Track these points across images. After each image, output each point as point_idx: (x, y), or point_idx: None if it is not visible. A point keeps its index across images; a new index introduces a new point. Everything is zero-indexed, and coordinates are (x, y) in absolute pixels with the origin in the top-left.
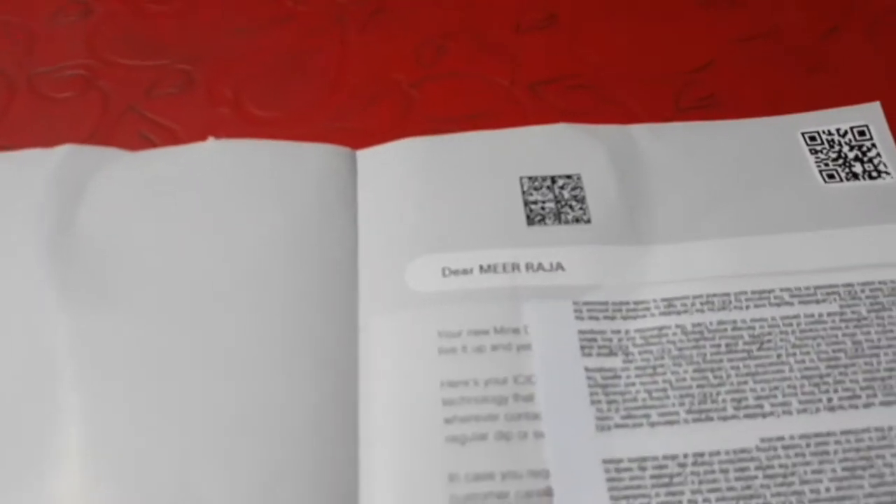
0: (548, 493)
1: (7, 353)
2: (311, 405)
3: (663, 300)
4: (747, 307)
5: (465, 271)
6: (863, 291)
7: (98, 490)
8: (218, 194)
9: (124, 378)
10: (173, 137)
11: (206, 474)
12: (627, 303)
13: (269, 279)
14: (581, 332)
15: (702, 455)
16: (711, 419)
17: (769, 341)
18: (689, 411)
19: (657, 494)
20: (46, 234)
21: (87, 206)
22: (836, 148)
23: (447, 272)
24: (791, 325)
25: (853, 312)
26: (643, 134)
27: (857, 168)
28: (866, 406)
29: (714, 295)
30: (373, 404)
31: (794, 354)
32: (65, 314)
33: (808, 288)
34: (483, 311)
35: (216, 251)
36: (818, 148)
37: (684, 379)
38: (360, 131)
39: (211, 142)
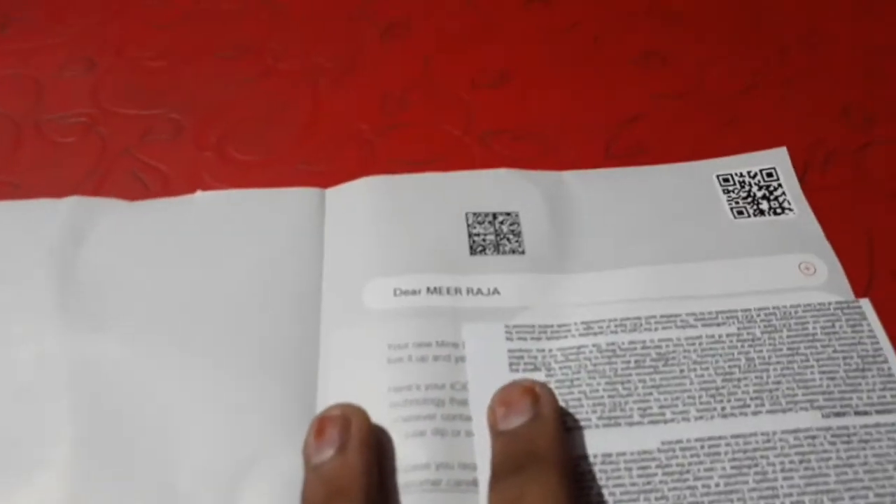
0: (474, 483)
1: (17, 365)
2: (277, 406)
3: (583, 323)
4: (656, 329)
5: (413, 292)
6: (758, 315)
7: (84, 487)
8: (204, 237)
9: (115, 387)
10: (163, 178)
11: (184, 465)
12: (552, 325)
13: (246, 304)
14: (510, 350)
15: (609, 455)
16: (619, 425)
17: (673, 358)
18: (600, 418)
19: None
20: (54, 270)
21: (88, 249)
22: (747, 188)
23: (398, 292)
24: (694, 344)
25: (748, 334)
26: (573, 179)
27: (764, 205)
28: (755, 413)
29: (627, 318)
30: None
31: (695, 370)
32: (67, 335)
33: (710, 312)
34: (427, 327)
35: (200, 283)
36: (730, 188)
37: (597, 390)
38: (329, 173)
39: (199, 194)
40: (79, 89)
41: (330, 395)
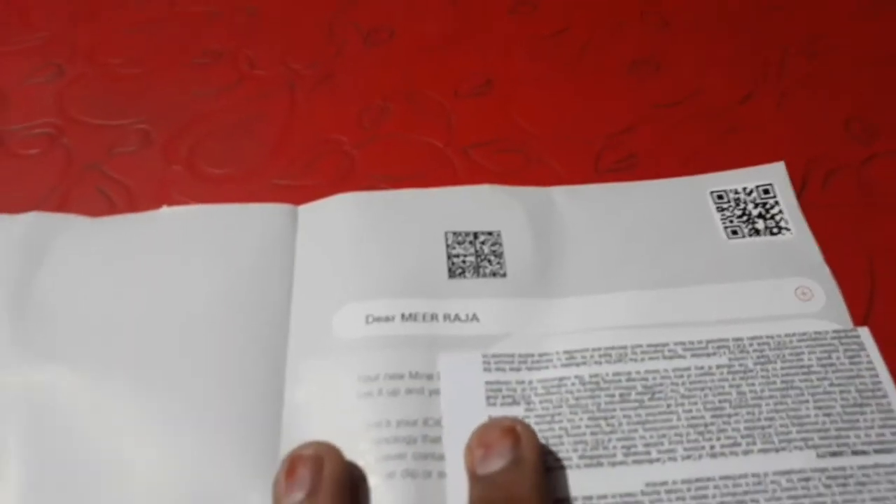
0: None
1: None
2: (240, 439)
3: (565, 352)
4: (642, 360)
5: (387, 318)
6: (751, 345)
7: None
8: (167, 256)
9: (66, 421)
10: (128, 193)
11: None
12: (532, 355)
13: (209, 330)
14: (488, 382)
15: (590, 499)
16: (602, 465)
17: (660, 392)
18: (581, 457)
19: None
20: (6, 292)
21: (46, 270)
22: (742, 206)
23: (371, 319)
24: (682, 376)
25: (740, 365)
26: (560, 195)
27: (760, 224)
28: (745, 453)
29: (612, 348)
30: (294, 443)
31: (683, 404)
32: (14, 364)
33: (700, 342)
34: (400, 357)
35: (161, 306)
36: (725, 206)
37: (579, 426)
38: (303, 188)
39: (164, 209)
40: (45, 97)
41: (294, 433)
